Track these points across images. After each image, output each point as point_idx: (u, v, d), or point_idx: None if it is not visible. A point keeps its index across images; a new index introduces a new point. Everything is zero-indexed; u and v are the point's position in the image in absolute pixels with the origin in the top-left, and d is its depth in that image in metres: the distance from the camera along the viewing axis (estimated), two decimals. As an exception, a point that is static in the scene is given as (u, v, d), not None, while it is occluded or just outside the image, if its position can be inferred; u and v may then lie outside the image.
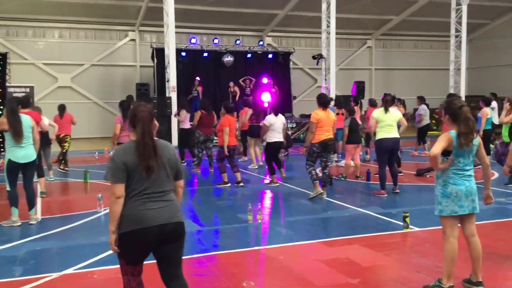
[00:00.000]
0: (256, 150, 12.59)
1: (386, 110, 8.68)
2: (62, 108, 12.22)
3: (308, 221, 7.08)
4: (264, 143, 10.63)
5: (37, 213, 7.29)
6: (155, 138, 3.42)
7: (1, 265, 5.25)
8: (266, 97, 20.31)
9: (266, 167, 10.22)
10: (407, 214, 6.40)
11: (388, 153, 8.63)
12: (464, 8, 21.60)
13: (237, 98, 18.90)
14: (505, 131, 9.18)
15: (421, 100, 14.37)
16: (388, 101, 8.75)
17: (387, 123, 8.61)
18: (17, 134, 6.63)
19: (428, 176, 10.36)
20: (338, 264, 5.14)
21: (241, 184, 9.70)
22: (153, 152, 3.32)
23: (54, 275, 4.91)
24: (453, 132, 4.20)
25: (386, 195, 8.54)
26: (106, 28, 21.90)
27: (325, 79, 20.17)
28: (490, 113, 11.20)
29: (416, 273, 4.87)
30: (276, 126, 9.80)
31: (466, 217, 4.32)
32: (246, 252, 5.65)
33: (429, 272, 4.83)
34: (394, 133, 8.63)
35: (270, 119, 9.92)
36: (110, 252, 5.50)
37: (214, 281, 4.77)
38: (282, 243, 5.97)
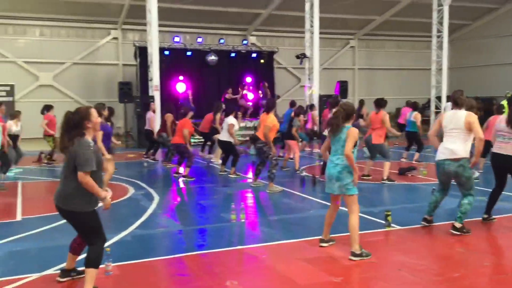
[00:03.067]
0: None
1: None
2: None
3: (291, 220, 7.10)
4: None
5: None
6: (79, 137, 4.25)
7: (-21, 266, 5.18)
8: (250, 97, 20.46)
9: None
10: (389, 213, 6.47)
11: None
12: (446, 9, 21.86)
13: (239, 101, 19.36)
14: None
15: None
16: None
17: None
18: None
19: (409, 175, 10.47)
20: (320, 263, 5.16)
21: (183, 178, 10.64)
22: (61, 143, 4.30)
23: (34, 275, 4.85)
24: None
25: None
26: (88, 26, 21.66)
27: (309, 79, 20.25)
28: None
29: (397, 271, 4.92)
30: (222, 126, 11.13)
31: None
32: (229, 251, 5.65)
33: (410, 270, 4.88)
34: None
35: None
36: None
37: (197, 280, 4.76)
38: (265, 242, 5.98)
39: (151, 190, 9.31)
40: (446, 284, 4.59)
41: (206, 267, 5.16)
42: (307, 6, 19.66)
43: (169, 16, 20.41)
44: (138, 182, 10.25)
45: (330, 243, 5.73)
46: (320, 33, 19.99)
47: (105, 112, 8.97)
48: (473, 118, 5.99)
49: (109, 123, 9.67)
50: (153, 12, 16.73)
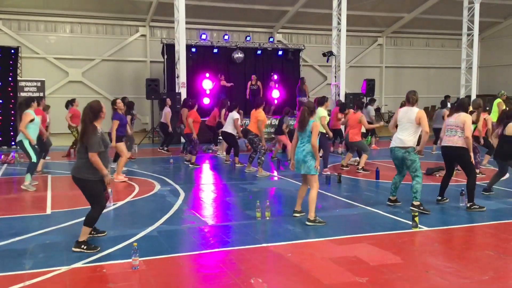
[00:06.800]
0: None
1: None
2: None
3: (317, 218, 7.06)
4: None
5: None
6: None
7: (11, 257, 5.31)
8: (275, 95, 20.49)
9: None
10: (416, 214, 6.38)
11: None
12: (477, 7, 21.41)
13: (261, 93, 19.54)
14: None
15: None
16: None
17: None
18: None
19: (437, 175, 10.30)
20: (346, 263, 5.13)
21: (190, 165, 11.97)
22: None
23: (63, 268, 4.95)
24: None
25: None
26: (117, 23, 21.98)
27: (335, 77, 20.12)
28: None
29: (424, 272, 4.85)
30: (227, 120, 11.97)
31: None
32: (254, 248, 5.66)
33: (438, 272, 4.81)
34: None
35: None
36: (119, 246, 5.57)
37: (222, 277, 4.78)
38: (290, 241, 5.96)
39: (177, 186, 9.40)
40: (475, 287, 4.50)
41: (231, 264, 5.18)
42: (334, 3, 19.52)
43: (196, 14, 20.57)
44: (165, 178, 10.36)
45: (302, 213, 7.00)
46: (347, 30, 19.84)
47: (120, 104, 10.17)
48: (423, 114, 7.10)
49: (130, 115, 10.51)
50: (180, 10, 16.87)
